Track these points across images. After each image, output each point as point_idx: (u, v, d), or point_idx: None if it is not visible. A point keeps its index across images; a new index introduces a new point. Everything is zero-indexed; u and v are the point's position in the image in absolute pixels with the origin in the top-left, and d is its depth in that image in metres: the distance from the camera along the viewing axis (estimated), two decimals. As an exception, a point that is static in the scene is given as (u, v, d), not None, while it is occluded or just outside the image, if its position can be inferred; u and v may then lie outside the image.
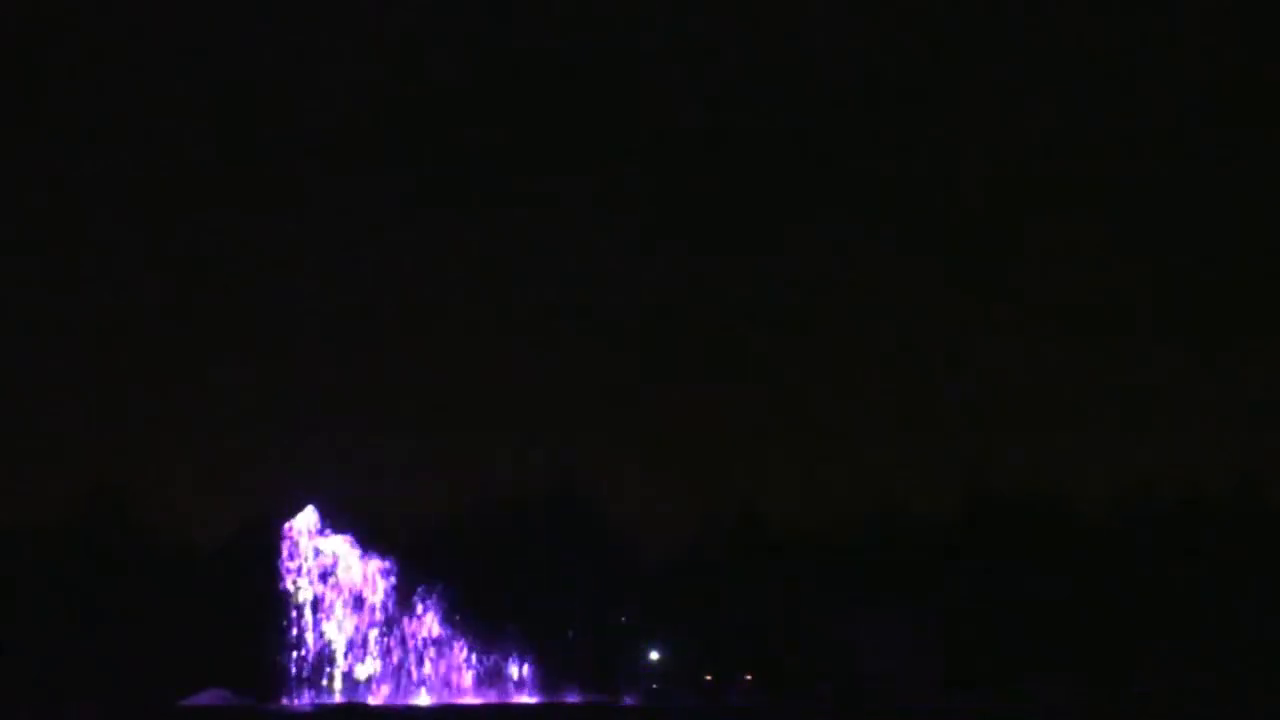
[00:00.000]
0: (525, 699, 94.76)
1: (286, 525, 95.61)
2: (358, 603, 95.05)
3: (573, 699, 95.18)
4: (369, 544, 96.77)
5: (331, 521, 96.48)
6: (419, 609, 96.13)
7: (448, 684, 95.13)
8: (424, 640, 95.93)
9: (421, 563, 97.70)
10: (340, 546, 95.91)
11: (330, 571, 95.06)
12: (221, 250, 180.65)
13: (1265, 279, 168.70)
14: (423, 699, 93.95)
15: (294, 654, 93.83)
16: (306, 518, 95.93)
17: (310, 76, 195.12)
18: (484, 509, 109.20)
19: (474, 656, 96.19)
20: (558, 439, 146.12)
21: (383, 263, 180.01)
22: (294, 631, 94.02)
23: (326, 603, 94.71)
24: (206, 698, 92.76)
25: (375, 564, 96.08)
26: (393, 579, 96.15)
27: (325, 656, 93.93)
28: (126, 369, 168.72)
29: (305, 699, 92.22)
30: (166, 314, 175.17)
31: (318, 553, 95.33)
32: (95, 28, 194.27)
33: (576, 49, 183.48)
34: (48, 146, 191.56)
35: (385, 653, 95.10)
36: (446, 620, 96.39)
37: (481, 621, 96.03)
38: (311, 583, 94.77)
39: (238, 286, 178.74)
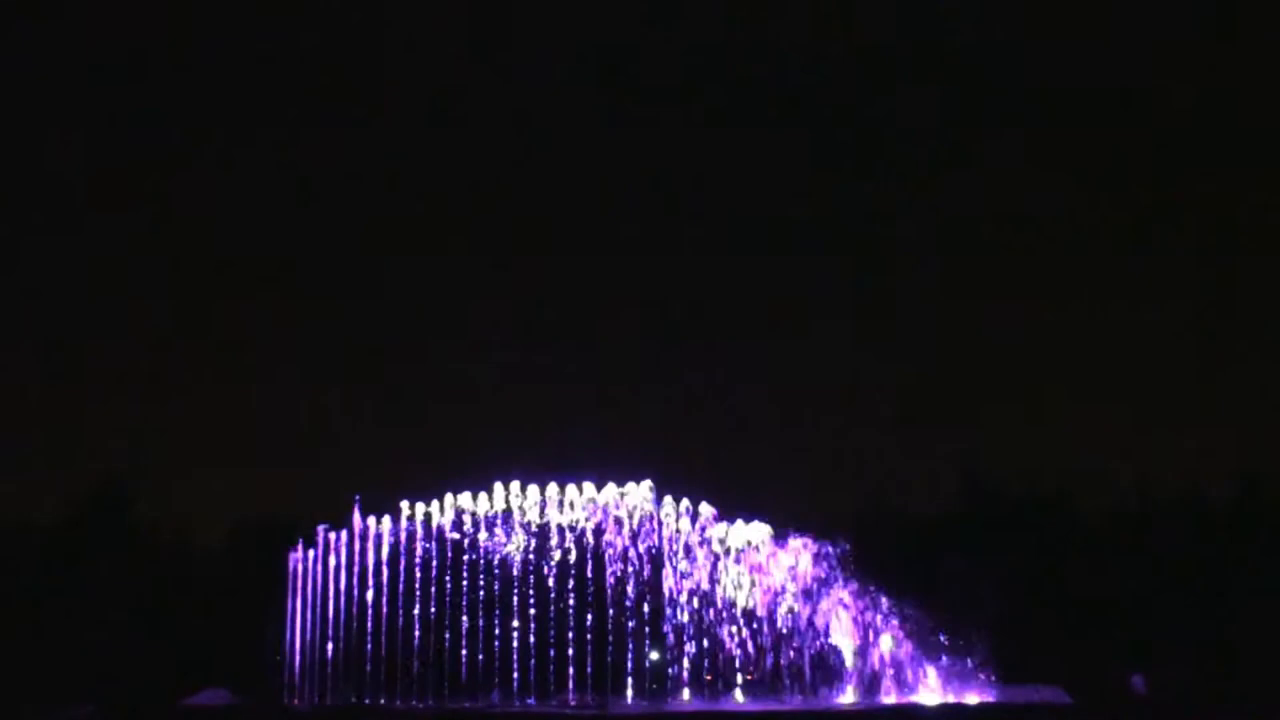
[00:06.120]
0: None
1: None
2: None
3: (571, 700, 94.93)
4: None
5: None
6: None
7: None
8: None
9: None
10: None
11: None
12: (222, 249, 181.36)
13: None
14: None
15: None
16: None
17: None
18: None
19: None
20: (559, 437, 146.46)
21: (383, 263, 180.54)
22: None
23: None
24: (206, 698, 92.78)
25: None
26: None
27: None
28: (126, 369, 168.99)
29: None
30: (166, 313, 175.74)
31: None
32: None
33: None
34: (47, 148, 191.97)
35: None
36: None
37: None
38: None
39: (239, 285, 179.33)
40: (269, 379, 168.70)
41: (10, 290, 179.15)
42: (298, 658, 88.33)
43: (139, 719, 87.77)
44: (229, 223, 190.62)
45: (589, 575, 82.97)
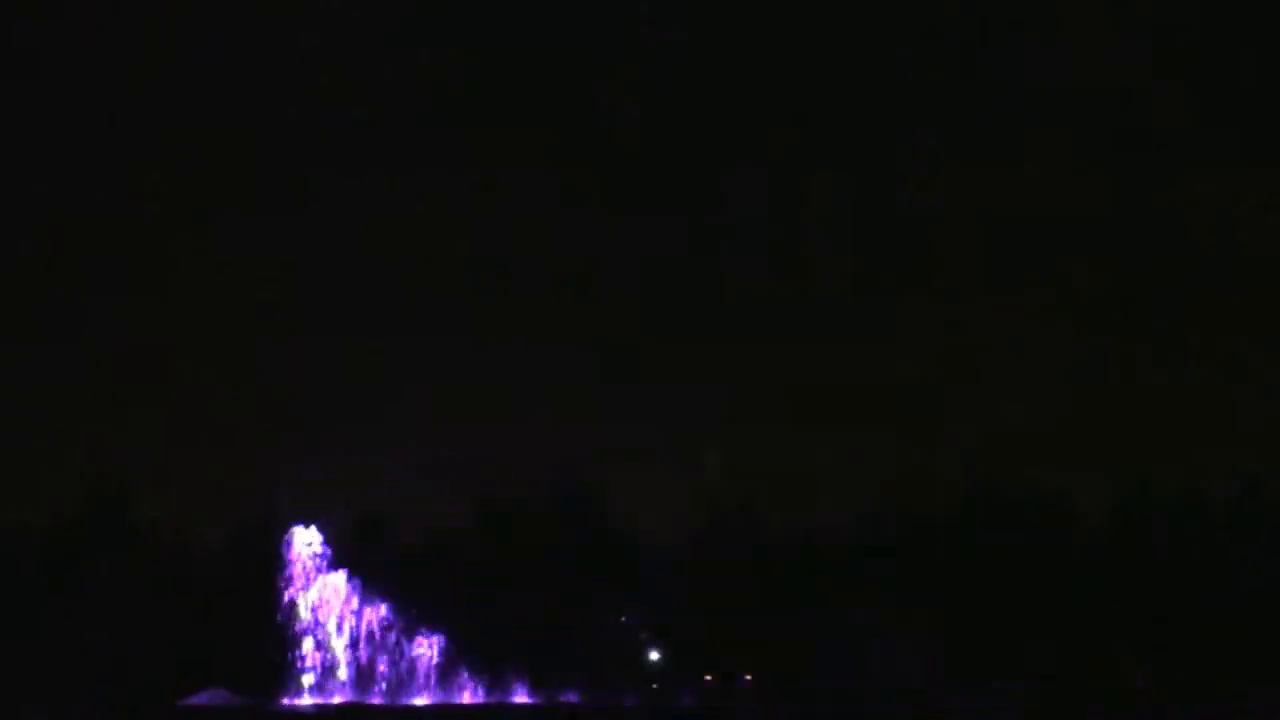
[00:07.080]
0: (523, 699, 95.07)
1: (288, 546, 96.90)
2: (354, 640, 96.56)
3: (572, 699, 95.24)
4: (369, 583, 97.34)
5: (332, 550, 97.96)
6: (423, 645, 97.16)
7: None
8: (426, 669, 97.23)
9: (422, 575, 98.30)
10: (340, 582, 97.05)
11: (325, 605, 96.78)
12: (222, 249, 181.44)
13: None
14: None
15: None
16: (308, 537, 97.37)
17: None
18: (485, 508, 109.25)
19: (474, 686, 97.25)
20: (559, 437, 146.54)
21: (382, 263, 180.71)
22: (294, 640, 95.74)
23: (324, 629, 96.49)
24: (206, 697, 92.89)
25: (371, 613, 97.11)
26: (390, 627, 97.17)
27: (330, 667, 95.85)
28: (127, 369, 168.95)
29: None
30: (166, 314, 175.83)
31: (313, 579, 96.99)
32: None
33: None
34: (47, 149, 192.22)
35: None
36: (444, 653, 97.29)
37: (482, 647, 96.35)
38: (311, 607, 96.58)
39: (240, 286, 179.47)
40: (269, 379, 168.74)
41: (11, 291, 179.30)
42: None
43: (139, 719, 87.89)
44: (230, 223, 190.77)
45: None
